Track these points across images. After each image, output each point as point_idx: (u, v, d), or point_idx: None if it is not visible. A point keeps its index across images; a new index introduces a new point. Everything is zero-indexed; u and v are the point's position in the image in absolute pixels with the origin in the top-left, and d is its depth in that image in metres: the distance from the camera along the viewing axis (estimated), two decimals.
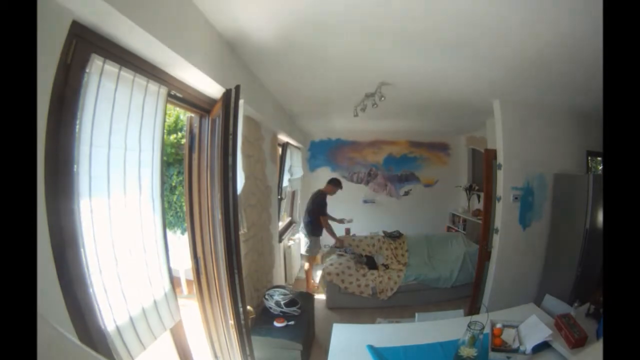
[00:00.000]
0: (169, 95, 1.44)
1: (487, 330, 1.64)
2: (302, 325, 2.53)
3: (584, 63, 2.00)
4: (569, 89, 2.62)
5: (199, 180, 1.96)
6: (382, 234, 4.88)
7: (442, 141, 6.27)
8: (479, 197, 5.24)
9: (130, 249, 1.23)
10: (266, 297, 2.64)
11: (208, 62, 1.59)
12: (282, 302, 2.57)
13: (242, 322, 1.69)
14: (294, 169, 4.65)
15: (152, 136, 1.31)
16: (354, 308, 3.83)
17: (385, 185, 6.08)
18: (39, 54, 0.66)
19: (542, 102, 3.07)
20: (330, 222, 4.42)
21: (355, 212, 6.11)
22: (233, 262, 1.63)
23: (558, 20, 1.52)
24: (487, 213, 3.20)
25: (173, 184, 4.09)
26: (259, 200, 2.97)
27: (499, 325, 1.81)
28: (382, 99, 2.76)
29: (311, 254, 4.35)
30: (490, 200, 3.19)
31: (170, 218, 4.15)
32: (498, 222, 3.12)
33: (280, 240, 3.94)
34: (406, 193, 6.25)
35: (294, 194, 5.18)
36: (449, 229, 5.98)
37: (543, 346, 1.69)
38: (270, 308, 2.60)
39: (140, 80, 1.21)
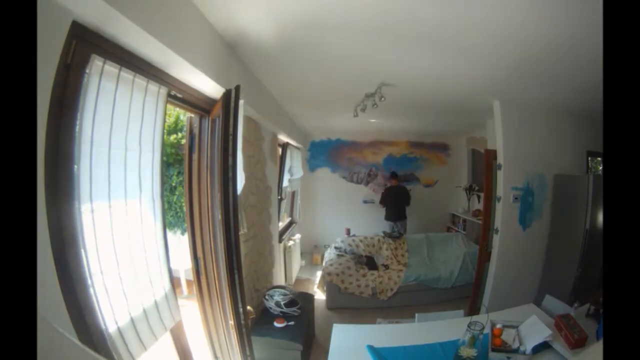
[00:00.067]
0: (169, 95, 1.44)
1: (487, 330, 1.64)
2: (302, 326, 2.53)
3: (584, 63, 2.00)
4: (569, 89, 2.62)
5: (199, 180, 1.96)
6: (382, 234, 4.88)
7: (442, 141, 6.28)
8: (479, 197, 5.24)
9: (131, 249, 1.23)
10: (266, 297, 2.64)
11: (208, 62, 1.59)
12: (282, 303, 2.57)
13: (242, 322, 1.69)
14: (294, 169, 4.65)
15: (152, 136, 1.32)
16: (354, 308, 3.83)
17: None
18: (39, 54, 0.66)
19: (542, 102, 3.07)
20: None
21: (355, 213, 6.15)
22: (233, 262, 1.63)
23: (558, 20, 1.52)
24: (487, 213, 3.20)
25: (173, 184, 4.08)
26: (259, 200, 2.97)
27: (499, 326, 1.80)
28: (382, 99, 2.76)
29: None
30: (490, 200, 3.19)
31: (170, 218, 4.14)
32: (498, 223, 3.12)
33: (280, 241, 3.94)
34: None
35: (294, 194, 5.18)
36: (449, 229, 5.98)
37: (543, 346, 1.69)
38: (270, 308, 2.60)
39: (140, 81, 1.21)
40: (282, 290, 2.66)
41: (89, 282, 0.98)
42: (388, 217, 5.47)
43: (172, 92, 1.50)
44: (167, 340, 1.68)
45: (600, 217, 2.87)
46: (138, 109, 1.22)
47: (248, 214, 2.60)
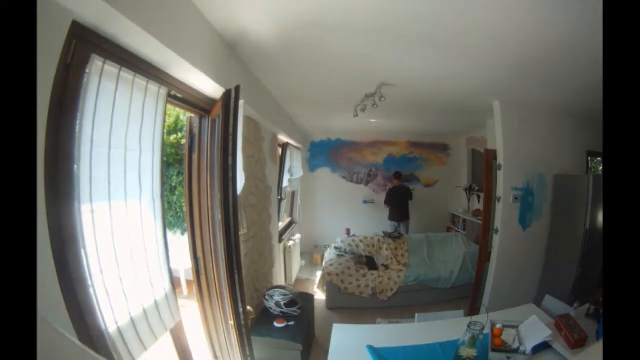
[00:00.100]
0: (169, 95, 1.44)
1: (487, 330, 1.64)
2: (302, 326, 2.53)
3: (584, 63, 2.01)
4: (569, 89, 2.62)
5: (199, 180, 1.96)
6: (382, 234, 4.88)
7: (442, 141, 6.28)
8: (479, 197, 5.24)
9: (131, 249, 1.23)
10: (266, 297, 2.64)
11: (208, 62, 1.59)
12: (282, 303, 2.57)
13: (242, 322, 1.69)
14: (294, 169, 4.65)
15: (152, 136, 1.31)
16: (354, 308, 3.83)
17: (385, 185, 6.08)
18: (39, 54, 0.66)
19: (542, 102, 3.07)
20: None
21: (355, 213, 6.15)
22: (233, 263, 1.63)
23: (558, 20, 1.52)
24: (487, 213, 3.20)
25: (173, 185, 4.08)
26: (259, 200, 2.97)
27: (499, 326, 1.80)
28: (382, 99, 2.76)
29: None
30: (490, 200, 3.19)
31: (170, 218, 4.14)
32: (498, 223, 3.12)
33: (280, 241, 3.94)
34: None
35: (294, 194, 5.18)
36: (449, 229, 5.98)
37: (543, 346, 1.69)
38: (270, 308, 2.60)
39: (140, 81, 1.21)
40: (282, 291, 2.66)
41: (89, 282, 0.98)
42: (392, 218, 5.49)
43: (172, 92, 1.50)
44: (167, 340, 1.68)
45: (600, 217, 2.87)
46: (138, 109, 1.22)
47: (248, 214, 2.60)
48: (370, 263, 4.36)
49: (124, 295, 1.15)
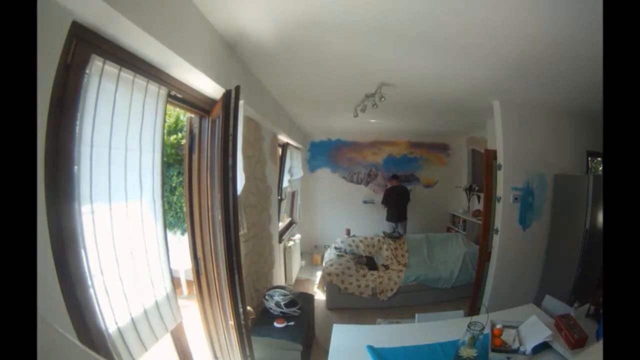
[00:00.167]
0: (169, 95, 1.44)
1: (487, 330, 1.64)
2: (302, 326, 2.53)
3: (584, 63, 2.01)
4: (569, 89, 2.62)
5: (199, 180, 1.96)
6: (382, 235, 4.88)
7: (442, 142, 6.28)
8: (479, 197, 5.24)
9: (131, 249, 1.23)
10: (266, 297, 2.64)
11: (208, 62, 1.59)
12: (282, 303, 2.57)
13: (242, 322, 1.69)
14: (294, 169, 4.65)
15: (152, 137, 1.32)
16: (354, 309, 3.83)
17: (385, 185, 6.08)
18: (39, 55, 0.66)
19: (542, 102, 3.07)
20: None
21: (355, 213, 6.15)
22: (233, 263, 1.63)
23: (558, 20, 1.52)
24: (487, 213, 3.20)
25: (173, 185, 4.08)
26: (259, 200, 2.97)
27: (499, 326, 1.80)
28: (382, 99, 2.76)
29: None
30: (490, 200, 3.19)
31: (170, 219, 4.14)
32: (498, 223, 3.12)
33: (280, 241, 3.94)
34: None
35: (294, 194, 5.18)
36: (449, 229, 5.98)
37: (543, 347, 1.69)
38: (270, 309, 2.60)
39: (140, 81, 1.21)
40: (282, 291, 2.66)
41: (89, 282, 0.98)
42: (389, 218, 5.48)
43: (172, 93, 1.50)
44: (167, 340, 1.68)
45: (600, 217, 2.87)
46: (138, 110, 1.22)
47: (248, 214, 2.60)
48: (370, 263, 4.36)
49: (124, 295, 1.15)
